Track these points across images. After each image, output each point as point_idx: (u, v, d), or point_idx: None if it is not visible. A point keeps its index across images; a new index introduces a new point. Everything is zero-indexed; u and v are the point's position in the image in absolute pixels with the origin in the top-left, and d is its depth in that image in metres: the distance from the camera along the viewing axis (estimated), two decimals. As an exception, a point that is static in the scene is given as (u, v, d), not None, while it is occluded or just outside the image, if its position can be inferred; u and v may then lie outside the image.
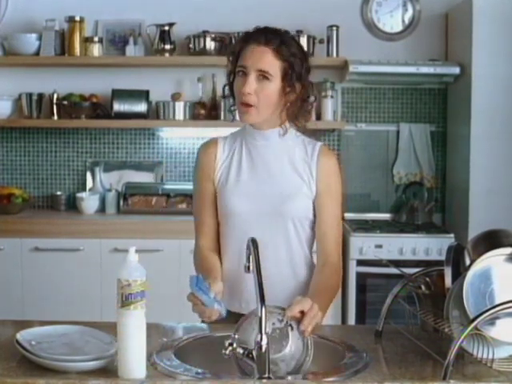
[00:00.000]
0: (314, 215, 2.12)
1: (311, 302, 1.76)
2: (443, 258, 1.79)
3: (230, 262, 2.10)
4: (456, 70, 4.01)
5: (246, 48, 2.03)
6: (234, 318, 1.96)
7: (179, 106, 4.19)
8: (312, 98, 2.17)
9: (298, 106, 2.09)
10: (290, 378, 1.61)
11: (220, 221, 2.15)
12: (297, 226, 2.10)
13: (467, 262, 1.74)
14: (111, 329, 1.67)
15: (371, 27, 4.33)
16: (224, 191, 2.10)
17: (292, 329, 1.69)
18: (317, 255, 2.13)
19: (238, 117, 2.11)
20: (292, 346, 1.67)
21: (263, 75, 2.01)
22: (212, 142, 2.18)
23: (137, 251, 1.55)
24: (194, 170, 2.21)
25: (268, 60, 2.01)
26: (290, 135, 2.14)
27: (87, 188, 4.39)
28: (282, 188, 2.08)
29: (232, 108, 2.15)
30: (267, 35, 2.03)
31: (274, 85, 2.02)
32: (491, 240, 1.74)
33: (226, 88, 2.14)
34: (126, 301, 1.52)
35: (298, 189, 2.09)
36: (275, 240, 2.08)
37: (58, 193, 4.37)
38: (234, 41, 4.12)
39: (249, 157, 2.12)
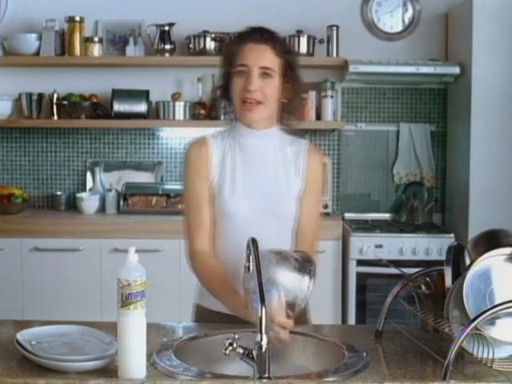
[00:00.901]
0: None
1: None
2: (443, 257, 1.79)
3: (227, 263, 2.05)
4: (456, 70, 4.01)
5: (242, 47, 2.04)
6: (226, 319, 1.97)
7: (179, 106, 4.19)
8: (304, 96, 2.18)
9: (291, 101, 2.09)
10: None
11: (216, 221, 2.11)
12: (290, 224, 2.12)
13: (467, 262, 1.74)
14: (111, 329, 1.67)
15: (371, 27, 4.33)
16: (221, 193, 2.07)
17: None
18: (293, 244, 2.13)
19: (239, 116, 2.09)
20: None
21: (266, 72, 2.02)
22: (203, 142, 2.12)
23: (137, 251, 1.55)
24: (185, 170, 2.13)
25: (269, 57, 2.02)
26: (280, 134, 2.14)
27: (87, 188, 4.40)
28: (277, 189, 2.09)
29: (228, 110, 2.14)
30: (264, 33, 2.05)
31: (276, 81, 2.04)
32: (491, 240, 1.74)
33: (216, 90, 2.15)
34: (126, 301, 1.52)
35: (292, 188, 2.10)
36: (273, 240, 2.07)
37: (58, 193, 4.37)
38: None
39: (242, 157, 2.10)
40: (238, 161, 2.10)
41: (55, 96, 4.23)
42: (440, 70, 4.06)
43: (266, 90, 2.02)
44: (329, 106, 4.20)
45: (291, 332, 1.78)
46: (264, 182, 2.09)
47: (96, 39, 4.20)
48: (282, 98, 2.07)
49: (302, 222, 2.12)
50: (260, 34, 2.04)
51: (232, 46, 2.10)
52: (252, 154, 2.11)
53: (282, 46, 2.07)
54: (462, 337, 1.54)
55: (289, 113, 2.12)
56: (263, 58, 2.02)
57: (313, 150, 2.17)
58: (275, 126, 2.13)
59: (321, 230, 2.21)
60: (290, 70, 2.06)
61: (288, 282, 1.77)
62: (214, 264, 2.05)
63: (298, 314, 1.81)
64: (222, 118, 2.17)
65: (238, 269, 1.86)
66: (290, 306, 1.77)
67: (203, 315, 2.14)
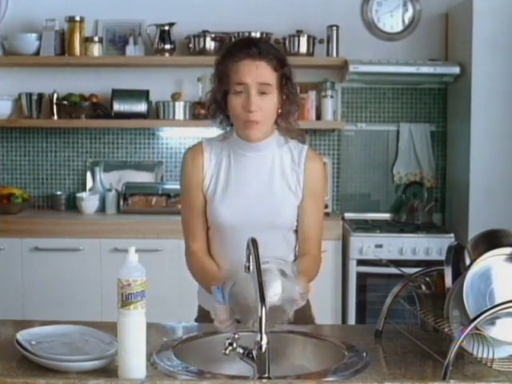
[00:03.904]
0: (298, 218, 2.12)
1: None
2: (443, 257, 1.79)
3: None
4: (456, 70, 4.01)
5: (238, 64, 1.98)
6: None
7: (179, 106, 4.19)
8: (299, 99, 2.14)
9: (288, 110, 2.06)
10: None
11: (210, 228, 2.12)
12: (285, 234, 2.10)
13: (467, 261, 1.74)
14: (111, 329, 1.67)
15: (371, 27, 4.33)
16: (213, 203, 2.07)
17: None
18: (298, 249, 2.14)
19: (239, 134, 2.06)
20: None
21: (264, 90, 1.97)
22: (198, 150, 2.11)
23: (137, 251, 1.55)
24: (182, 178, 2.14)
25: (266, 73, 1.98)
26: (278, 142, 2.11)
27: (87, 188, 4.40)
28: (271, 200, 2.06)
29: (224, 124, 2.10)
30: (259, 47, 1.99)
31: (274, 96, 2.00)
32: (491, 240, 1.74)
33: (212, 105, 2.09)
34: (126, 301, 1.52)
35: (288, 200, 2.08)
36: (265, 251, 2.06)
37: (58, 193, 4.37)
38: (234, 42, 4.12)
39: (238, 168, 2.08)
40: (233, 171, 2.08)
41: (55, 96, 4.23)
42: (440, 69, 4.06)
43: (264, 107, 1.98)
44: (329, 105, 4.20)
45: (291, 332, 1.79)
46: (258, 192, 2.06)
47: (96, 39, 4.20)
48: (280, 110, 2.04)
49: (305, 225, 2.10)
50: (255, 49, 1.98)
51: (226, 62, 2.01)
52: (247, 164, 2.08)
53: (278, 58, 2.01)
54: (462, 337, 1.54)
55: (286, 118, 2.08)
56: (260, 74, 1.97)
57: (312, 157, 2.12)
58: (272, 135, 2.09)
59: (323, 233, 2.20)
60: (286, 82, 2.02)
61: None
62: (206, 260, 2.08)
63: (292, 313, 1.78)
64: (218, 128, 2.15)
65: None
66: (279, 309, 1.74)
67: (203, 316, 2.15)
